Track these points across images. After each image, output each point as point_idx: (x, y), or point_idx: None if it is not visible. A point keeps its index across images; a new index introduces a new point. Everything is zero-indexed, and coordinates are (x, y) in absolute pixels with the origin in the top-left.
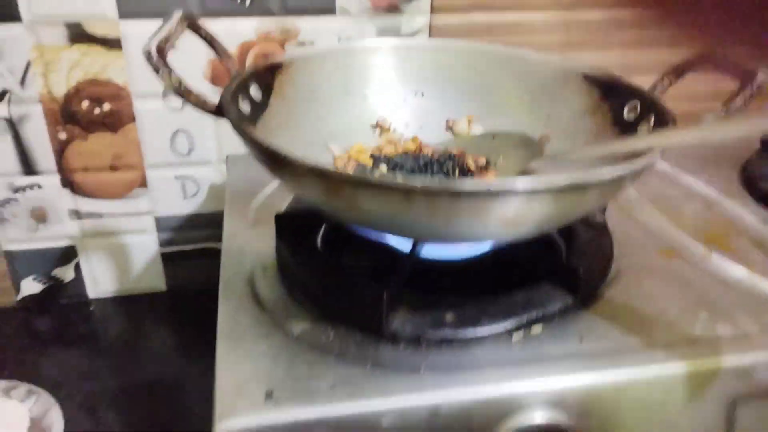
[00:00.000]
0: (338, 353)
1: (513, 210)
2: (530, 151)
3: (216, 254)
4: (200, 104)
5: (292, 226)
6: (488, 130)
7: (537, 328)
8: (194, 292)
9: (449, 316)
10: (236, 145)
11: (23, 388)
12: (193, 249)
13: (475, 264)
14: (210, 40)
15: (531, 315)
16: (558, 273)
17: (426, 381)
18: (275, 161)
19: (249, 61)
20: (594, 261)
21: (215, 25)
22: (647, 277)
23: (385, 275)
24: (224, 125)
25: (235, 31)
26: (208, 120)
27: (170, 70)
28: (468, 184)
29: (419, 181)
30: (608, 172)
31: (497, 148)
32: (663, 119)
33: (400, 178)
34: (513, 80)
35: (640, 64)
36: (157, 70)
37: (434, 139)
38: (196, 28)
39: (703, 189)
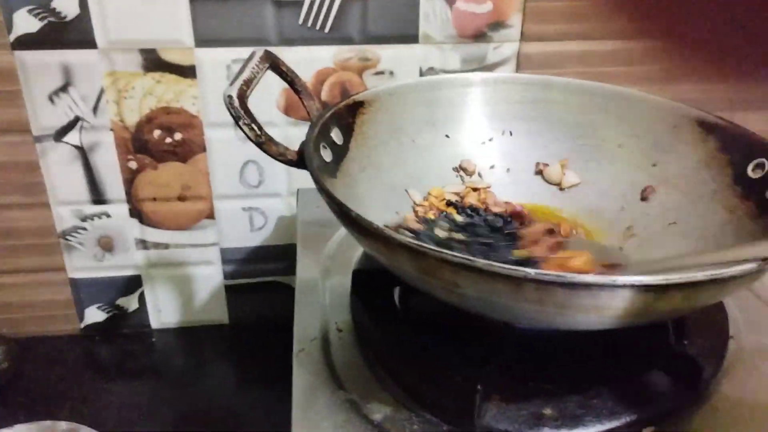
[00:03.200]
0: None
1: (636, 303)
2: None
3: (280, 288)
4: (281, 156)
5: (370, 285)
6: (583, 179)
7: (648, 430)
8: (256, 325)
9: (548, 411)
10: (307, 178)
11: (64, 426)
12: (257, 282)
13: (573, 335)
14: (291, 80)
15: (641, 414)
16: (669, 360)
17: None
18: (365, 233)
19: (325, 91)
20: (708, 344)
21: (292, 54)
22: None
23: (475, 348)
24: None
25: (312, 59)
26: None
27: (251, 120)
28: (588, 277)
29: (532, 270)
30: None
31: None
32: None
33: (507, 266)
34: (613, 122)
35: (753, 98)
36: (237, 119)
37: (522, 184)
38: (277, 68)
39: None
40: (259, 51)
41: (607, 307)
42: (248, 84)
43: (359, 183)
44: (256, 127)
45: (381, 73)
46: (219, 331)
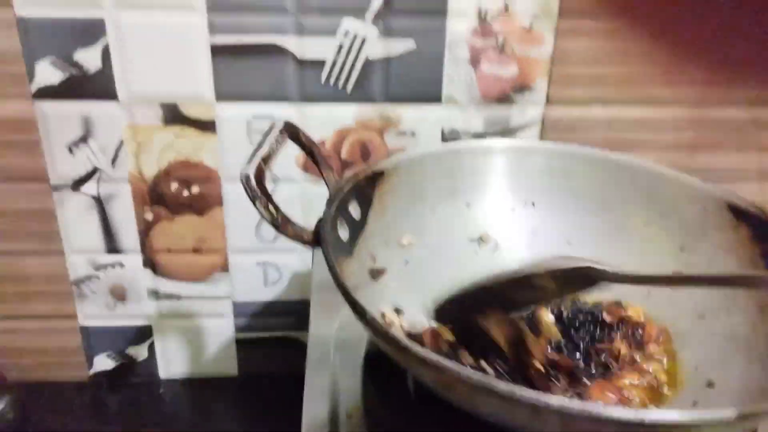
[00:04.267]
0: None
1: None
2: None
3: (290, 343)
4: (297, 238)
5: (382, 369)
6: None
7: None
8: (265, 379)
9: None
10: None
11: None
12: (268, 336)
13: None
14: (310, 151)
15: None
16: None
17: None
18: (381, 337)
19: (345, 149)
20: None
21: (313, 112)
22: None
23: None
24: (313, 216)
25: (333, 117)
26: (297, 207)
27: (268, 200)
28: (614, 411)
29: (555, 399)
30: None
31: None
32: None
33: (529, 392)
34: (640, 199)
35: None
36: (253, 200)
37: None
38: (297, 139)
39: None
40: (279, 124)
41: None
42: (266, 161)
43: (376, 258)
44: (272, 209)
45: (402, 133)
46: (228, 383)
